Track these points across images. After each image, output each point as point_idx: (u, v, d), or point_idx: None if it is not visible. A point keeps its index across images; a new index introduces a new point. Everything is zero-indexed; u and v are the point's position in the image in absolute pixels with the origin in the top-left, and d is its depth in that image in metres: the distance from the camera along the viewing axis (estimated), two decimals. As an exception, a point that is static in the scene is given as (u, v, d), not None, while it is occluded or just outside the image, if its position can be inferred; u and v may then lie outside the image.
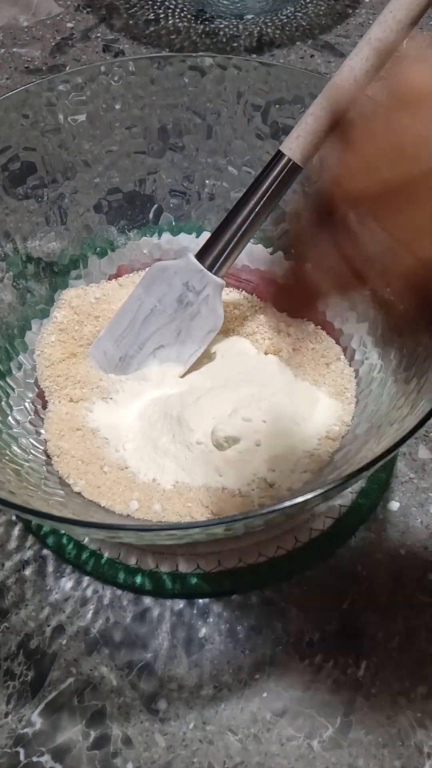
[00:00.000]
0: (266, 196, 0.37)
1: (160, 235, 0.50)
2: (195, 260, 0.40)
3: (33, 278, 0.45)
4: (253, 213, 0.38)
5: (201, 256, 0.40)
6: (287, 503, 0.25)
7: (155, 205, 0.49)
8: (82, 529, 0.32)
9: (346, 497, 0.40)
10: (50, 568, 0.38)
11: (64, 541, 0.38)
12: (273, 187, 0.37)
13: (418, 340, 0.35)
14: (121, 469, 0.38)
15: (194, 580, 0.37)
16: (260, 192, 0.37)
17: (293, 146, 0.35)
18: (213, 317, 0.41)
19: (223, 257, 0.39)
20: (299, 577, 0.38)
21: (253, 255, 0.47)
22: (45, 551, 0.39)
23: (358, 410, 0.40)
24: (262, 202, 0.37)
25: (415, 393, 0.33)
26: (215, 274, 0.40)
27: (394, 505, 0.40)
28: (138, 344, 0.42)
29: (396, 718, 0.33)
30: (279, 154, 0.36)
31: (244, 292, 0.47)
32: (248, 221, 0.38)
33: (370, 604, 0.37)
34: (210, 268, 0.40)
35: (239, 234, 0.38)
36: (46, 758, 0.32)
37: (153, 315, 0.42)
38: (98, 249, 0.48)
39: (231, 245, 0.39)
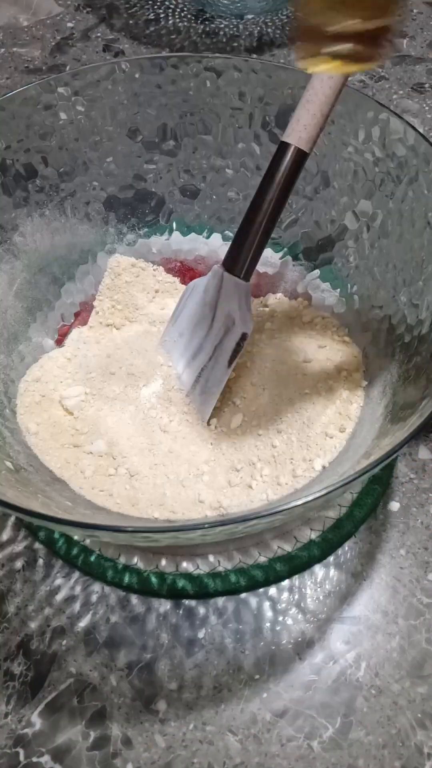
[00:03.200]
0: (281, 190, 0.36)
1: (170, 234, 0.50)
2: (223, 271, 0.39)
3: (39, 272, 0.45)
4: (272, 209, 0.36)
5: (229, 263, 0.38)
6: (287, 506, 0.25)
7: (165, 205, 0.49)
8: (81, 530, 0.32)
9: (347, 497, 0.40)
10: (52, 570, 0.38)
11: (66, 542, 0.38)
12: (286, 180, 0.36)
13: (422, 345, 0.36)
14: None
15: (194, 580, 0.37)
16: (274, 187, 0.36)
17: (301, 135, 0.35)
18: (242, 325, 0.39)
19: (249, 259, 0.38)
20: (299, 577, 0.38)
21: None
22: (46, 552, 0.39)
23: (362, 410, 0.40)
24: (277, 197, 0.36)
25: (418, 392, 0.33)
26: (244, 278, 0.38)
27: (395, 506, 0.40)
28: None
29: (396, 719, 0.33)
30: (285, 146, 0.35)
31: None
32: (268, 219, 0.37)
33: (370, 605, 0.37)
34: (239, 274, 0.38)
35: (261, 233, 0.37)
36: (45, 759, 0.32)
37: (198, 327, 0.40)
38: (107, 247, 0.48)
39: (254, 246, 0.37)
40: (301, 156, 0.36)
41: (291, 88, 0.42)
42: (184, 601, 0.37)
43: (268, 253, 0.48)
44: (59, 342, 0.45)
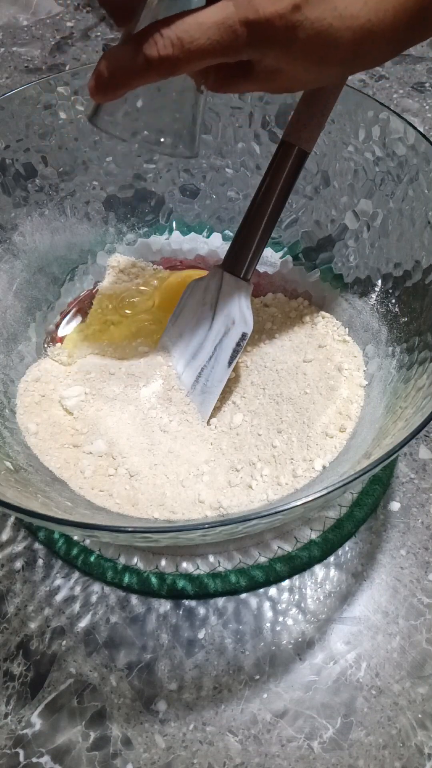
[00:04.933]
0: (281, 189, 0.36)
1: (170, 233, 0.50)
2: (222, 271, 0.39)
3: (39, 272, 0.45)
4: (272, 209, 0.37)
5: (230, 263, 0.39)
6: (287, 506, 0.25)
7: (165, 204, 0.49)
8: (81, 530, 0.32)
9: (347, 498, 0.40)
10: (51, 570, 0.38)
11: (66, 542, 0.38)
12: (286, 179, 0.36)
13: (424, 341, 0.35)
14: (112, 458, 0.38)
15: (194, 581, 0.37)
16: (274, 187, 0.36)
17: (302, 134, 0.35)
18: (242, 325, 0.39)
19: (249, 258, 0.38)
20: (299, 577, 0.38)
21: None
22: (46, 552, 0.39)
23: (362, 410, 0.40)
24: (278, 196, 0.37)
25: (419, 392, 0.33)
26: (245, 278, 0.39)
27: (395, 506, 0.40)
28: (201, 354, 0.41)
29: (396, 719, 0.33)
30: (286, 145, 0.36)
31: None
32: (269, 218, 0.37)
33: (370, 605, 0.37)
34: (240, 274, 0.39)
35: (261, 233, 0.38)
36: (45, 759, 0.32)
37: (199, 326, 0.41)
38: (107, 246, 0.48)
39: (255, 246, 0.38)
40: (301, 155, 0.36)
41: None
42: (184, 601, 0.37)
43: (268, 252, 0.48)
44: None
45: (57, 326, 0.46)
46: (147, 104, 0.31)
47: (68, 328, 0.46)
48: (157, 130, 0.32)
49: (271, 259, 0.48)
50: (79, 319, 0.46)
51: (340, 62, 0.27)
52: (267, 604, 0.37)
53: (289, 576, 0.37)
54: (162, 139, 0.32)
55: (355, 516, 0.39)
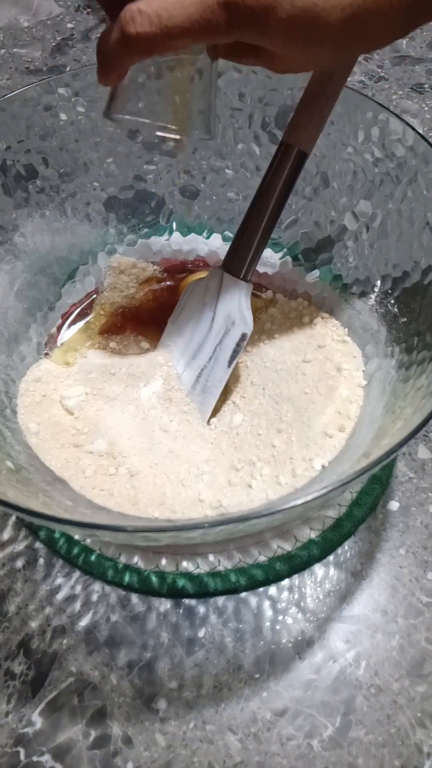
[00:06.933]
0: (281, 190, 0.37)
1: (170, 234, 0.50)
2: (222, 271, 0.39)
3: (40, 273, 0.45)
4: (272, 210, 0.37)
5: (229, 264, 0.39)
6: (287, 505, 0.25)
7: (165, 205, 0.49)
8: (82, 530, 0.32)
9: (346, 497, 0.40)
10: (52, 569, 0.38)
11: (67, 541, 0.38)
12: (286, 180, 0.36)
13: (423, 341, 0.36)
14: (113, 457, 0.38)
15: (194, 580, 0.37)
16: (274, 188, 0.37)
17: (301, 136, 0.35)
18: (242, 326, 0.40)
19: (249, 259, 0.39)
20: (299, 576, 0.38)
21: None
22: (47, 551, 0.39)
23: (362, 409, 0.40)
24: (277, 197, 0.37)
25: (418, 391, 0.33)
26: (245, 278, 0.39)
27: (394, 505, 0.40)
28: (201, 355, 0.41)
29: (396, 718, 0.34)
30: (285, 147, 0.36)
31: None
32: (268, 219, 0.37)
33: (370, 604, 0.37)
34: (240, 274, 0.39)
35: (261, 233, 0.38)
36: (46, 758, 0.32)
37: (199, 326, 0.41)
38: (107, 247, 0.49)
39: (254, 246, 0.38)
40: (301, 156, 0.36)
41: (290, 89, 0.42)
42: (184, 600, 0.37)
43: (268, 253, 0.48)
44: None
45: (58, 327, 0.46)
46: (152, 89, 0.31)
47: (69, 328, 0.46)
48: (168, 116, 0.31)
49: (270, 259, 0.49)
50: (80, 319, 0.47)
51: (331, 43, 0.25)
52: (267, 603, 0.37)
53: (289, 575, 0.38)
54: (174, 126, 0.31)
55: (355, 515, 0.39)
